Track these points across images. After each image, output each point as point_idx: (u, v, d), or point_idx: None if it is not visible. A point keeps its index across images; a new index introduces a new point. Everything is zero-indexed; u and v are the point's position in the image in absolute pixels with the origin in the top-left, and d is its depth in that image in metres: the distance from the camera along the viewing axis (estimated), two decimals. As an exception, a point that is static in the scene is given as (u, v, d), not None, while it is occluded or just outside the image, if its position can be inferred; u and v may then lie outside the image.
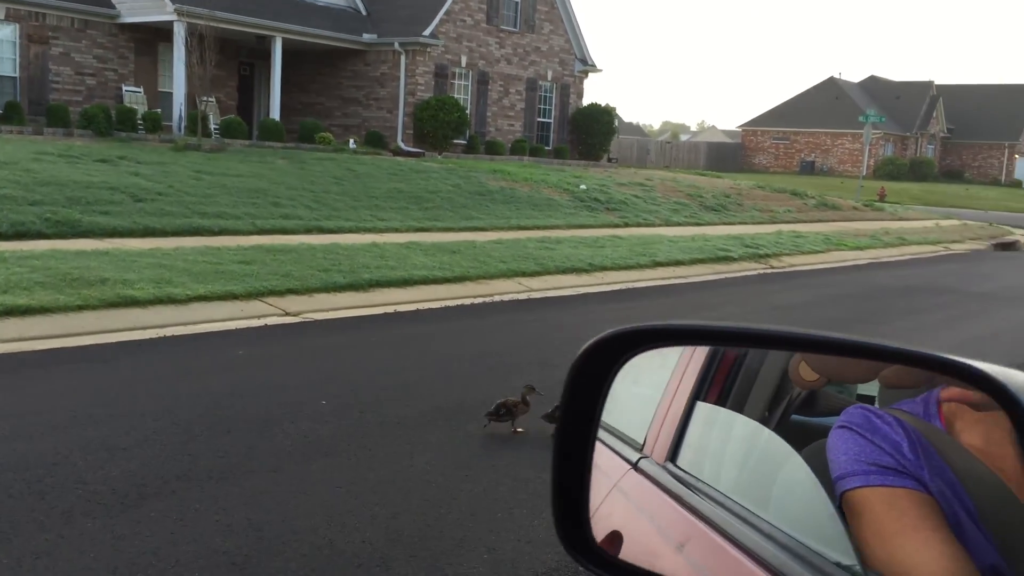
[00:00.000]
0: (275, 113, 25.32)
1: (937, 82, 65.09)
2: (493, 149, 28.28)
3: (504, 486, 4.41)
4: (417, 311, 9.65)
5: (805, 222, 23.71)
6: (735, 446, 1.34)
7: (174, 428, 5.04)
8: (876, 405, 1.09)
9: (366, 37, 27.20)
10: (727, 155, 62.73)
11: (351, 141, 24.99)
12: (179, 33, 22.58)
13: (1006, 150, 63.77)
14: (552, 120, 31.72)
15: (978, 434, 0.95)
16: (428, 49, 27.08)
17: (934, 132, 63.71)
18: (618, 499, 1.45)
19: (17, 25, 22.63)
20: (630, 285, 12.71)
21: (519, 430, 5.28)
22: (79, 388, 5.93)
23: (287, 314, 8.90)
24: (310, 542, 3.64)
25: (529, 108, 30.82)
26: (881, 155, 58.49)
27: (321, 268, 10.70)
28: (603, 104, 33.02)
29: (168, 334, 7.71)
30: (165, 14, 22.83)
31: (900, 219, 27.80)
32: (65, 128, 20.65)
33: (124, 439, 4.80)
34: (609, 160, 33.69)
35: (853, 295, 12.96)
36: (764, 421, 1.22)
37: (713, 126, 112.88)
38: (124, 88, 24.26)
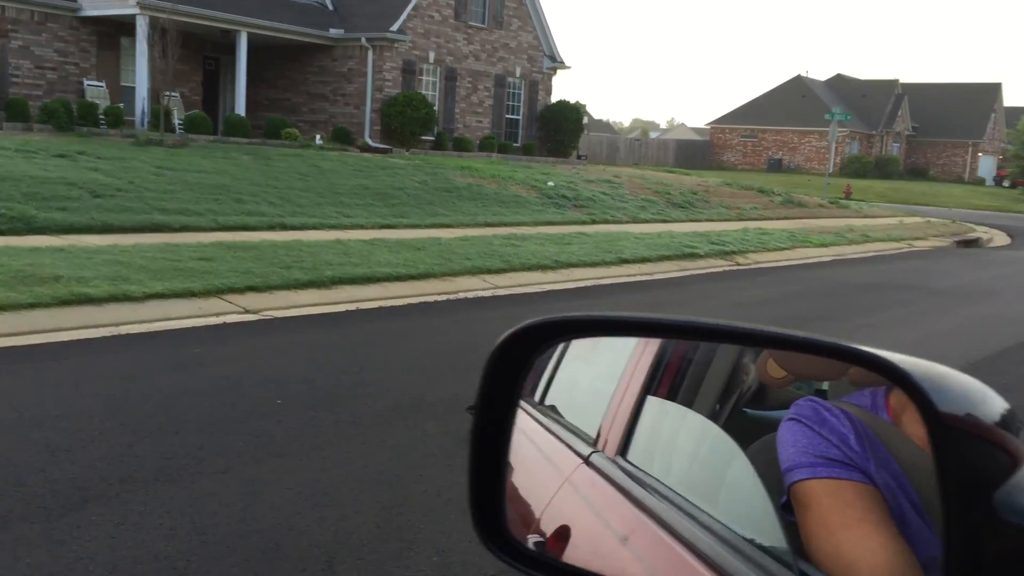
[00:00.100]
0: (240, 108, 25.05)
1: (902, 81, 65.85)
2: (461, 146, 28.20)
3: (459, 486, 4.33)
4: (380, 308, 9.56)
5: (771, 219, 23.84)
6: (684, 441, 1.34)
7: (121, 429, 4.93)
8: (827, 398, 1.09)
9: (333, 32, 27.00)
10: (696, 152, 63.04)
11: (318, 137, 24.80)
12: (141, 27, 22.27)
13: (970, 148, 64.65)
14: (521, 117, 31.69)
15: (923, 426, 0.94)
16: (396, 45, 26.93)
17: (899, 130, 64.42)
18: (569, 493, 1.47)
19: (-26, 17, 22.21)
20: (596, 282, 12.69)
21: None
22: (27, 388, 5.79)
23: (247, 312, 8.77)
24: (255, 545, 3.56)
25: (497, 105, 30.76)
26: (847, 153, 59.05)
27: (283, 265, 10.57)
28: (572, 101, 33.05)
29: (123, 332, 7.56)
30: (127, 7, 22.50)
31: (865, 216, 28.05)
32: (25, 123, 20.29)
33: (69, 440, 4.68)
34: (578, 157, 33.72)
35: (816, 292, 13.03)
36: (715, 415, 1.22)
37: (682, 124, 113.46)
38: (86, 82, 23.89)
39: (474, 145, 28.77)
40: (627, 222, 19.62)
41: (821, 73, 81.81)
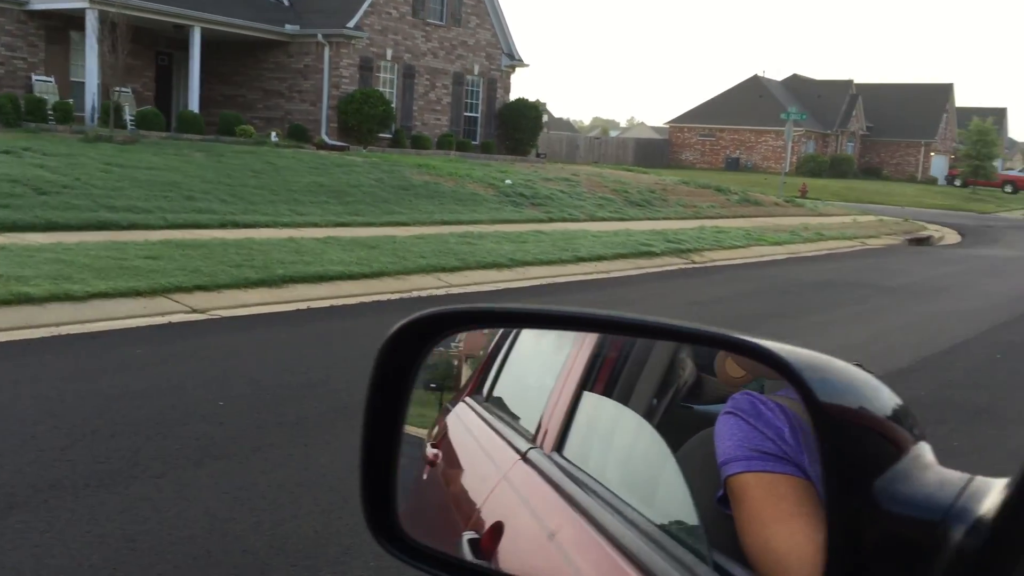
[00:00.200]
0: (194, 105, 24.68)
1: (857, 81, 66.78)
2: (419, 143, 28.04)
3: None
4: (331, 307, 9.43)
5: (728, 218, 24.00)
6: (616, 436, 1.34)
7: (55, 432, 4.77)
8: (764, 392, 1.09)
9: (289, 28, 26.70)
10: (655, 151, 63.38)
11: (273, 134, 24.50)
12: (91, 21, 21.81)
13: (922, 148, 65.74)
14: (479, 115, 31.60)
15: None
16: (352, 41, 26.70)
17: (854, 130, 65.31)
18: (505, 490, 1.47)
19: (-83, 10, 21.62)
20: (551, 280, 12.65)
21: None
22: (-42, 391, 5.60)
23: (193, 311, 8.60)
24: (186, 552, 3.44)
25: (456, 102, 30.64)
26: (803, 152, 59.73)
27: (233, 263, 10.39)
28: (531, 99, 33.04)
29: (63, 333, 7.36)
30: (77, 1, 22.05)
31: (820, 215, 28.36)
32: (-31, 118, 19.78)
33: (-2, 445, 4.52)
34: (537, 155, 33.71)
35: (771, 290, 13.11)
36: (652, 409, 1.22)
37: (642, 123, 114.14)
38: (34, 77, 23.37)
39: (432, 143, 28.62)
40: (585, 220, 19.62)
41: (778, 73, 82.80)
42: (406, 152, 26.23)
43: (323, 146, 24.78)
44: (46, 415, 5.05)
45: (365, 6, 26.57)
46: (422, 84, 29.41)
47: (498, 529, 1.34)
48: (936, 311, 11.79)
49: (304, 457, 4.66)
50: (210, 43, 25.51)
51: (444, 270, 12.06)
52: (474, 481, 1.60)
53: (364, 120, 25.96)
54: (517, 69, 32.86)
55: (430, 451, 2.17)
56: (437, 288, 11.22)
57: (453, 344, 1.80)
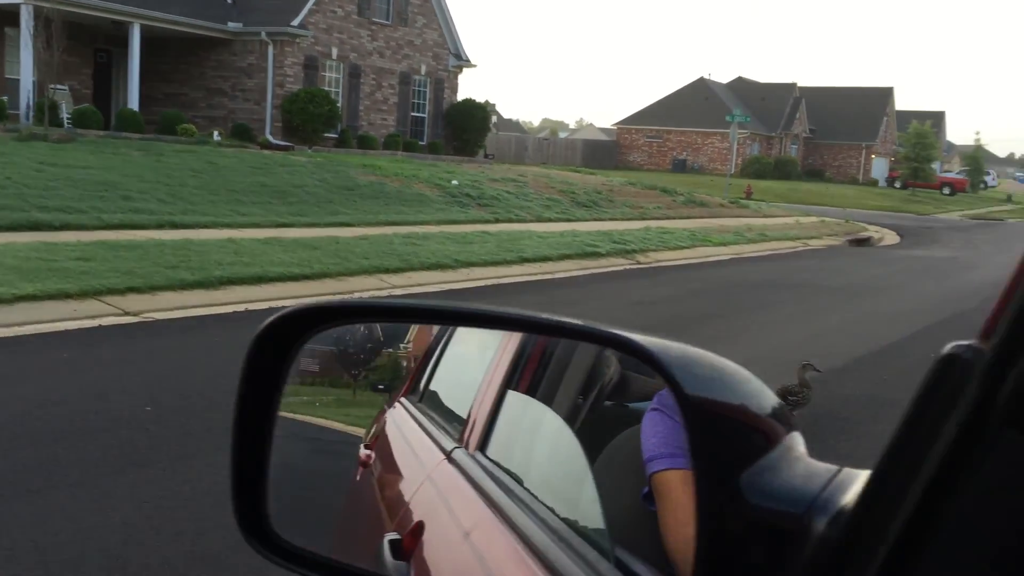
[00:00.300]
0: (134, 103, 24.19)
1: (800, 84, 67.83)
2: (366, 143, 27.81)
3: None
4: (271, 309, 9.14)
5: (673, 218, 24.18)
6: (537, 436, 1.34)
7: (-30, 441, 4.60)
8: None
9: (232, 26, 26.30)
10: (603, 152, 63.73)
11: (215, 133, 24.11)
12: (26, 16, 21.25)
13: (863, 150, 67.02)
14: (427, 115, 31.44)
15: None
16: (297, 40, 26.39)
17: (797, 132, 66.35)
18: (429, 490, 1.48)
19: None
20: (496, 281, 12.61)
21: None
22: None
23: (126, 314, 8.39)
24: (100, 564, 3.32)
25: (403, 102, 30.45)
26: (748, 154, 60.50)
27: (169, 265, 10.17)
28: (480, 100, 32.99)
29: (-13, 337, 7.12)
30: (10, -5, 21.47)
31: (764, 216, 28.72)
32: None
33: (-93, 455, 4.34)
34: (486, 156, 33.66)
35: (714, 290, 13.22)
36: (577, 408, 1.22)
37: (591, 124, 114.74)
38: (-35, 74, 22.70)
39: (379, 143, 28.40)
40: (531, 221, 19.62)
41: (723, 76, 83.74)
42: (352, 152, 25.98)
43: (267, 146, 24.44)
44: (-38, 423, 4.87)
45: (310, 4, 26.28)
46: (368, 84, 29.18)
47: (419, 529, 1.35)
48: (873, 311, 11.98)
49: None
50: (151, 40, 25.02)
51: (387, 271, 11.96)
52: (402, 481, 1.61)
53: (309, 120, 25.67)
54: (465, 69, 32.78)
55: (363, 452, 2.12)
56: (379, 289, 11.11)
57: (402, 345, 1.78)
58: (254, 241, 12.56)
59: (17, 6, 21.56)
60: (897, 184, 59.39)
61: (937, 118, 69.72)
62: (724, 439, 0.81)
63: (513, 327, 1.21)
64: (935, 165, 59.25)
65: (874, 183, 63.09)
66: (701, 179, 47.25)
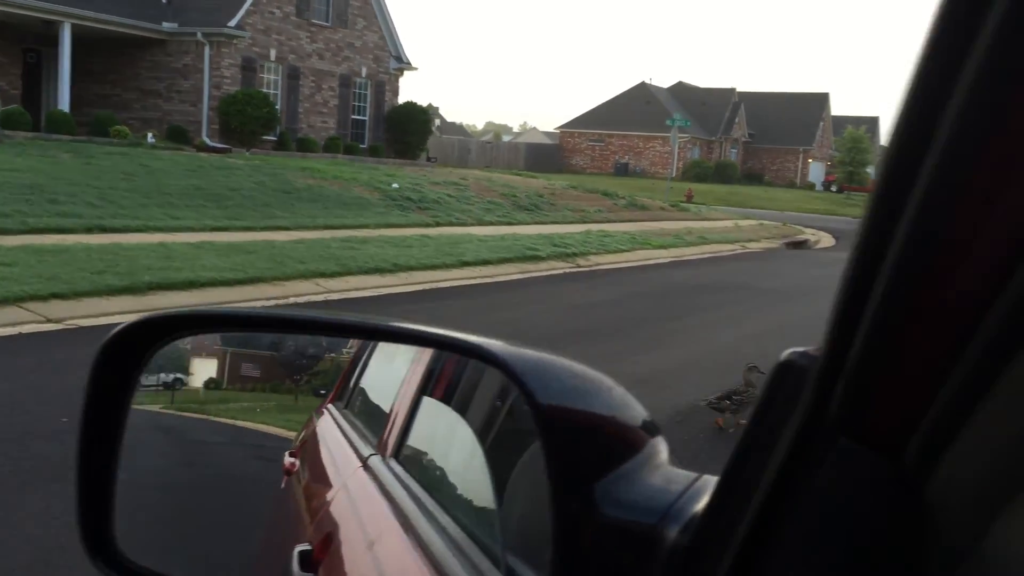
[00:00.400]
0: (64, 104, 23.58)
1: (739, 89, 68.86)
2: (305, 146, 27.47)
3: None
4: (201, 315, 9.06)
5: (614, 222, 24.31)
6: (448, 443, 1.33)
7: None
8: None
9: (166, 26, 25.79)
10: (546, 156, 63.94)
11: (150, 135, 23.60)
12: (-52, 14, 20.59)
13: (801, 154, 68.25)
14: (367, 118, 31.19)
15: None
16: (234, 41, 25.98)
17: (737, 137, 67.32)
18: (343, 499, 1.46)
19: None
20: (435, 285, 12.52)
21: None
22: None
23: (48, 321, 8.12)
24: (1, 586, 3.17)
25: (343, 105, 30.16)
26: (689, 158, 61.22)
27: (95, 270, 9.89)
28: (423, 103, 32.85)
29: None
30: (-68, -8, 20.78)
31: (703, 219, 29.04)
32: None
33: None
34: (428, 159, 33.50)
35: (652, 293, 13.29)
36: (494, 414, 1.19)
37: (535, 128, 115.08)
38: None
39: (319, 146, 28.08)
40: (472, 224, 19.55)
41: (664, 81, 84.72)
42: (291, 155, 25.64)
43: (204, 148, 23.99)
44: None
45: (247, 5, 25.89)
46: (308, 86, 28.84)
47: (329, 540, 1.34)
48: (807, 313, 12.12)
49: (150, 476, 4.40)
50: (83, 40, 24.41)
51: (324, 275, 11.79)
52: (321, 489, 1.58)
53: (247, 122, 25.27)
54: (406, 72, 32.59)
55: (287, 460, 2.04)
56: (316, 294, 10.94)
57: (345, 349, 1.75)
58: (187, 245, 12.29)
59: (-60, 3, 20.90)
60: (833, 188, 60.64)
61: (872, 123, 71.29)
62: (579, 448, 0.79)
63: (370, 336, 1.18)
64: (870, 169, 60.61)
65: (811, 187, 64.28)
66: (643, 183, 47.65)
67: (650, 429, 0.86)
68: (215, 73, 25.78)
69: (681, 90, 68.46)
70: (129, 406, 1.18)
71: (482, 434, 1.15)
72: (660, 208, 29.58)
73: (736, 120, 66.43)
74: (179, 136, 24.66)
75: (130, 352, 1.15)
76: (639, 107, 62.94)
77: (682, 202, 34.77)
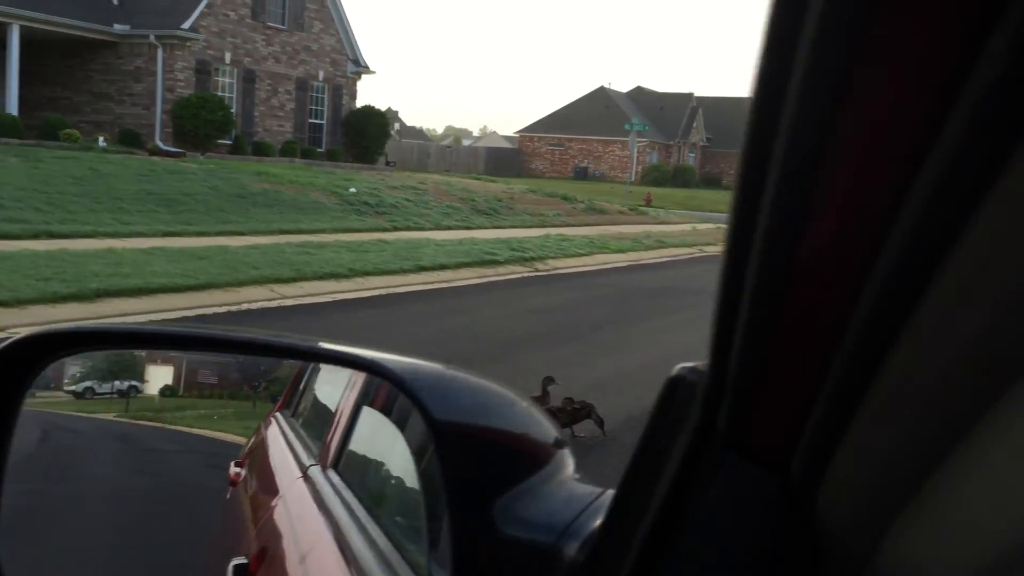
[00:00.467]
0: (12, 107, 23.09)
1: (697, 94, 69.47)
2: (261, 150, 27.17)
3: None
4: (149, 322, 8.87)
5: (573, 226, 24.34)
6: (384, 455, 1.32)
7: None
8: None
9: (118, 28, 25.37)
10: (506, 160, 63.97)
11: (101, 139, 23.18)
12: None
13: (758, 159, 69.00)
14: (325, 121, 30.95)
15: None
16: (188, 43, 25.63)
17: (695, 141, 67.92)
18: (281, 510, 1.45)
19: None
20: (391, 291, 12.40)
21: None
22: None
23: (-10, 330, 7.89)
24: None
25: (300, 108, 29.90)
26: (648, 162, 61.64)
27: (41, 277, 9.65)
28: (381, 107, 32.74)
29: None
30: None
31: (662, 223, 29.20)
32: None
33: None
34: (387, 163, 33.32)
35: (610, 297, 13.29)
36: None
37: (494, 132, 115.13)
38: None
39: (275, 150, 27.79)
40: (430, 229, 19.45)
41: (623, 85, 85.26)
42: (247, 159, 25.35)
43: (157, 152, 23.62)
44: None
45: (201, 7, 25.55)
46: (264, 89, 28.54)
47: (263, 553, 1.34)
48: (764, 315, 12.23)
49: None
50: (32, 42, 23.93)
51: (278, 281, 11.62)
52: (264, 500, 1.56)
53: (201, 125, 24.93)
54: (364, 76, 32.41)
55: (232, 470, 1.98)
56: (270, 300, 10.78)
57: None
58: (137, 251, 12.06)
59: None
60: (790, 191, 61.30)
61: (826, 128, 72.26)
62: (478, 465, 0.78)
63: (262, 352, 1.17)
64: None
65: (768, 191, 64.85)
66: (602, 187, 47.83)
67: (555, 444, 0.84)
68: (168, 76, 25.41)
69: (640, 95, 68.91)
70: (12, 429, 1.12)
71: (418, 446, 1.12)
72: (619, 212, 29.70)
73: (694, 125, 67.01)
74: (131, 140, 24.27)
75: (10, 373, 1.11)
76: (598, 111, 63.24)
77: (641, 206, 34.93)
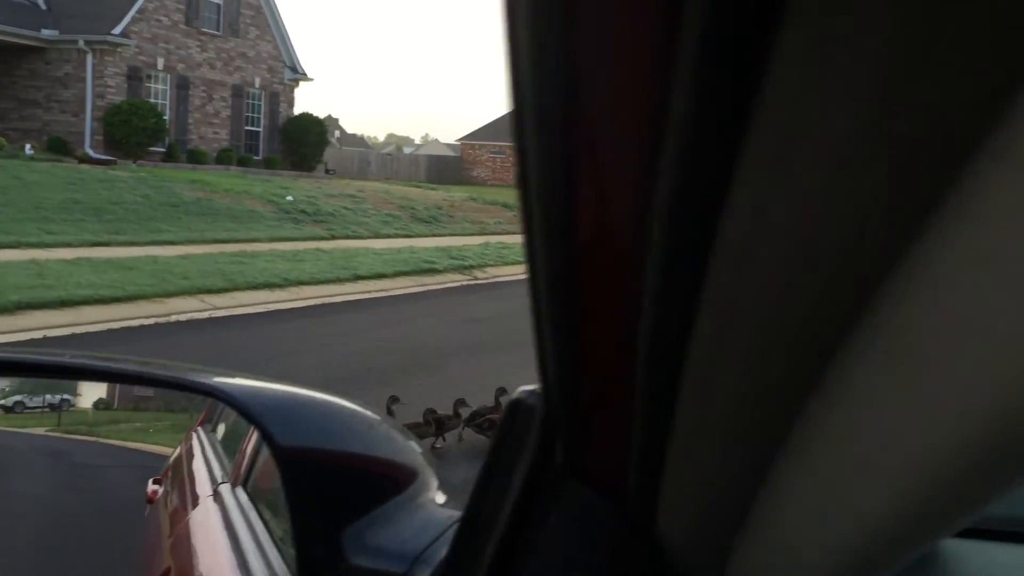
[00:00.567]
0: (-68, 114, 22.31)
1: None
2: (196, 158, 26.66)
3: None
4: (72, 335, 8.60)
5: (514, 234, 24.29)
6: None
7: None
8: None
9: (45, 33, 24.69)
10: (448, 168, 63.82)
11: (27, 147, 22.52)
12: None
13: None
14: (262, 129, 30.52)
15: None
16: (119, 49, 25.06)
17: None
18: (189, 529, 1.40)
19: None
20: (327, 300, 12.22)
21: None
22: None
23: (-101, 345, 7.55)
24: None
25: (236, 116, 29.42)
26: (590, 170, 62.07)
27: (-43, 290, 9.29)
28: (320, 114, 32.43)
29: None
30: None
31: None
32: None
33: None
34: (327, 171, 32.96)
35: (549, 304, 13.25)
36: None
37: (436, 139, 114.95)
38: None
39: (210, 158, 27.29)
40: (368, 237, 19.24)
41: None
42: (181, 167, 24.83)
43: (86, 160, 23.01)
44: None
45: (132, 12, 25.00)
46: (198, 96, 28.02)
47: (167, 574, 1.30)
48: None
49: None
50: (-48, 46, 23.18)
51: (209, 292, 11.37)
52: (177, 518, 1.52)
53: (133, 133, 24.37)
54: (302, 83, 32.05)
55: (151, 487, 1.89)
56: (200, 311, 10.53)
57: None
58: (62, 262, 11.70)
59: None
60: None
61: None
62: (326, 491, 0.73)
63: (94, 378, 1.14)
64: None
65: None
66: (543, 194, 47.87)
67: (418, 466, 0.80)
68: (98, 82, 24.80)
69: (580, 103, 69.33)
70: None
71: None
72: (560, 219, 29.74)
73: (634, 132, 67.74)
74: (60, 147, 23.62)
75: None
76: (539, 119, 63.48)
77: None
